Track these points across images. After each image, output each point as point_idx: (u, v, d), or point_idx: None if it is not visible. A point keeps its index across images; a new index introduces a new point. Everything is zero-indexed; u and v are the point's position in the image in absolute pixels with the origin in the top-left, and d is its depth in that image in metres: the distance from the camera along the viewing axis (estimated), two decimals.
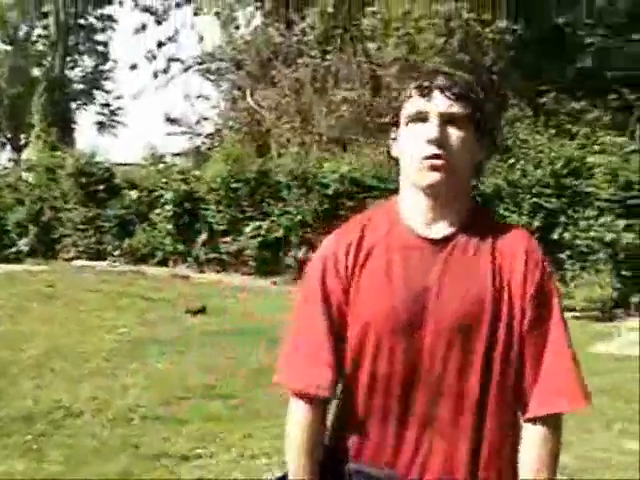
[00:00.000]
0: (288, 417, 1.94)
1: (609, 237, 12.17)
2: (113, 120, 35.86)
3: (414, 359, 1.83)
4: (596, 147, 13.32)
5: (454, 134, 1.85)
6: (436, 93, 1.86)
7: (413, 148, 1.86)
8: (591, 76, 15.48)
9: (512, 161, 13.76)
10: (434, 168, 1.83)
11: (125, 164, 21.96)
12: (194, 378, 7.32)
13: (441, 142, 1.83)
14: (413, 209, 1.91)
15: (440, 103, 1.85)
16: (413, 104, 1.88)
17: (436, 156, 1.83)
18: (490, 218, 2.03)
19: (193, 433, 5.78)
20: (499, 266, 1.86)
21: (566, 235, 12.78)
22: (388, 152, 2.02)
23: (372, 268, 1.89)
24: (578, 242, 12.69)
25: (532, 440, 1.84)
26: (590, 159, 12.97)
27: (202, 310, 11.07)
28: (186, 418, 6.10)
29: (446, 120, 1.85)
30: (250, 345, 8.83)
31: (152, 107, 43.71)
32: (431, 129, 1.83)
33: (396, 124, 1.94)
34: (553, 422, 1.85)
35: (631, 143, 12.92)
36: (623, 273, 12.21)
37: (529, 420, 1.85)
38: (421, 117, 1.86)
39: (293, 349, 1.94)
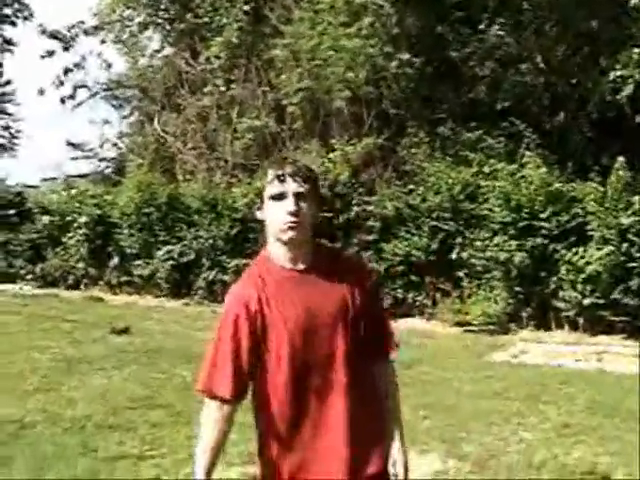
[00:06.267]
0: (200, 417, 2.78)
1: (503, 256, 12.83)
2: (13, 143, 35.48)
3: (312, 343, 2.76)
4: (489, 173, 14.16)
5: (303, 205, 2.74)
6: (289, 179, 2.76)
7: (277, 217, 2.75)
8: (484, 106, 16.48)
9: (412, 187, 14.71)
10: (292, 229, 2.75)
11: (34, 186, 22.09)
12: (132, 391, 7.93)
13: (296, 212, 2.74)
14: (280, 255, 2.82)
15: (293, 186, 2.76)
16: (274, 187, 2.77)
17: (293, 222, 2.73)
18: (330, 252, 2.98)
19: (143, 438, 6.42)
20: (347, 280, 2.82)
21: (463, 255, 13.54)
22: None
23: (273, 300, 2.77)
24: (474, 261, 13.42)
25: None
26: (484, 184, 13.80)
27: (125, 330, 11.56)
28: (134, 425, 6.72)
29: (297, 196, 2.76)
30: (175, 361, 9.54)
31: (57, 131, 43.40)
32: (289, 204, 2.73)
33: (261, 199, 2.83)
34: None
35: (521, 169, 13.62)
36: (516, 289, 12.97)
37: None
38: (280, 196, 2.77)
39: (211, 364, 2.78)
